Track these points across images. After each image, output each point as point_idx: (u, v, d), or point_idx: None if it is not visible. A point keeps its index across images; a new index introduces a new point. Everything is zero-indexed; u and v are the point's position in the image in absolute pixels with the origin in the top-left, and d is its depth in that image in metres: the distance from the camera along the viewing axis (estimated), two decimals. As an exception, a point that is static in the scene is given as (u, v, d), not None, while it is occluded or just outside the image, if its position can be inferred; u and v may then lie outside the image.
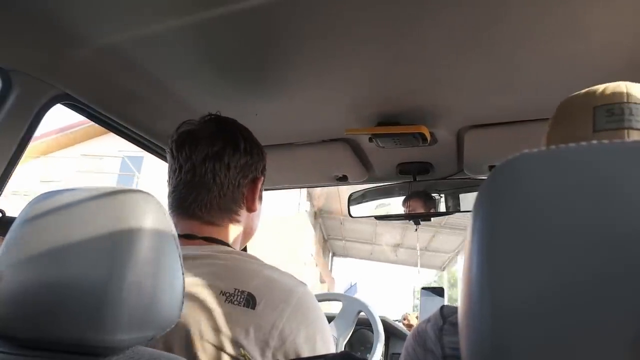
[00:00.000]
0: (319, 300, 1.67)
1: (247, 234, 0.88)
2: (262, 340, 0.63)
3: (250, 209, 0.84)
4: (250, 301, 0.65)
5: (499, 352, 0.28)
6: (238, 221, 0.82)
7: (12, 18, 0.73)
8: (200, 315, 0.63)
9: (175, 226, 0.70)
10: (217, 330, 0.62)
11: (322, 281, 14.42)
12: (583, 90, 0.56)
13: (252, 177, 0.84)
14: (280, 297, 0.67)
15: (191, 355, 0.61)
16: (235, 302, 0.64)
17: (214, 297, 0.64)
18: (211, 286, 0.65)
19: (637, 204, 0.27)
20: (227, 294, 0.65)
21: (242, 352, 0.60)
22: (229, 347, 0.61)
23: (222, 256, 0.72)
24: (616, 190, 0.28)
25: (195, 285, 0.65)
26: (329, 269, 16.35)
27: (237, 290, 0.65)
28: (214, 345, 0.61)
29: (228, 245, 0.78)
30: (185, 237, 0.75)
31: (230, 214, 0.81)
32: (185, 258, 0.67)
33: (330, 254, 16.43)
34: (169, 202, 0.82)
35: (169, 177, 0.83)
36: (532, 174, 0.30)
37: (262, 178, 0.87)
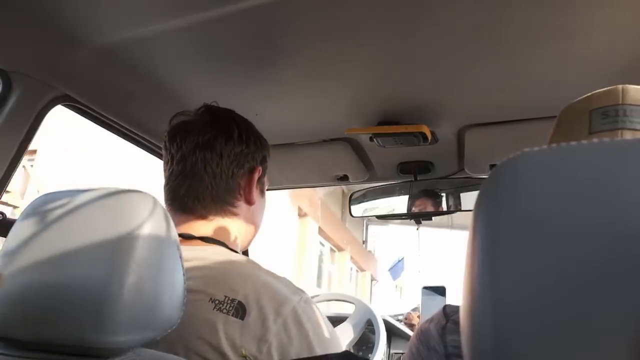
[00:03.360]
0: (329, 300, 1.67)
1: (250, 230, 0.83)
2: (251, 354, 0.59)
3: (249, 201, 0.80)
4: (239, 310, 0.61)
5: (500, 349, 0.28)
6: (235, 214, 0.78)
7: (13, 19, 0.73)
8: (188, 321, 0.58)
9: None
10: (202, 338, 0.59)
11: (339, 249, 10.99)
12: (583, 97, 0.57)
13: (248, 167, 0.80)
14: (272, 307, 0.63)
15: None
16: (224, 311, 0.61)
17: (203, 303, 0.61)
18: (201, 292, 0.62)
19: (636, 201, 0.27)
20: (217, 302, 0.61)
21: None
22: (214, 357, 0.58)
23: (218, 259, 0.68)
24: (616, 188, 0.28)
25: (192, 289, 0.61)
26: (363, 239, 13.12)
27: (227, 298, 0.62)
28: (199, 355, 0.59)
29: (226, 245, 0.74)
30: (182, 237, 0.71)
31: (225, 206, 0.77)
32: (186, 260, 0.65)
33: (365, 222, 12.74)
34: (164, 196, 0.79)
35: (163, 170, 0.81)
36: (533, 173, 0.30)
37: (261, 168, 0.83)
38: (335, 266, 11.47)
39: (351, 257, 12.02)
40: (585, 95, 0.56)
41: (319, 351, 0.65)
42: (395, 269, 11.54)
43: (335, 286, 10.99)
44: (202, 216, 0.76)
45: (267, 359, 0.60)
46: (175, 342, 0.59)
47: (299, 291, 0.69)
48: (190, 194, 0.76)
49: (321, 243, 10.45)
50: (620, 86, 0.53)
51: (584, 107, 0.55)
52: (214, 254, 0.70)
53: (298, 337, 0.63)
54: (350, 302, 1.70)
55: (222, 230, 0.77)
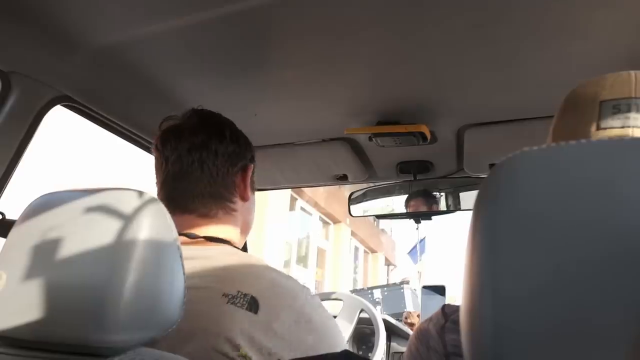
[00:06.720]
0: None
1: (246, 226, 0.85)
2: (265, 347, 0.61)
3: (244, 197, 0.82)
4: (253, 305, 0.63)
5: (500, 347, 0.28)
6: (234, 210, 0.80)
7: (11, 20, 0.73)
8: (200, 317, 0.61)
9: None
10: (217, 333, 0.60)
11: (334, 220, 8.74)
12: (592, 80, 0.54)
13: (241, 165, 0.82)
14: (283, 303, 0.65)
15: (191, 358, 0.59)
16: (238, 305, 0.62)
17: (216, 299, 0.63)
18: (213, 289, 0.64)
19: (634, 201, 0.27)
20: (230, 296, 0.63)
21: (242, 352, 0.60)
22: (229, 350, 0.59)
23: (227, 258, 0.70)
24: (614, 187, 0.28)
25: (197, 287, 0.63)
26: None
27: (240, 293, 0.63)
28: (214, 348, 0.60)
29: (230, 243, 0.76)
30: (186, 236, 0.73)
31: (223, 202, 0.79)
32: (188, 259, 0.66)
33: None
34: (159, 197, 0.79)
35: (157, 173, 0.81)
36: (532, 172, 0.30)
37: (252, 166, 0.85)
38: (330, 243, 9.10)
39: (353, 233, 9.83)
40: (596, 79, 0.54)
41: (327, 343, 0.68)
42: (415, 251, 9.56)
43: (330, 269, 8.93)
44: (203, 214, 0.77)
45: (280, 352, 0.61)
46: (189, 337, 0.60)
47: (305, 287, 0.71)
48: (189, 193, 0.77)
49: (305, 209, 7.97)
50: (633, 74, 0.51)
51: (594, 96, 0.52)
52: (222, 254, 0.71)
53: (308, 331, 0.66)
54: (338, 299, 1.69)
55: (224, 228, 0.78)
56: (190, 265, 0.65)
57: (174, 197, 0.77)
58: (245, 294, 0.63)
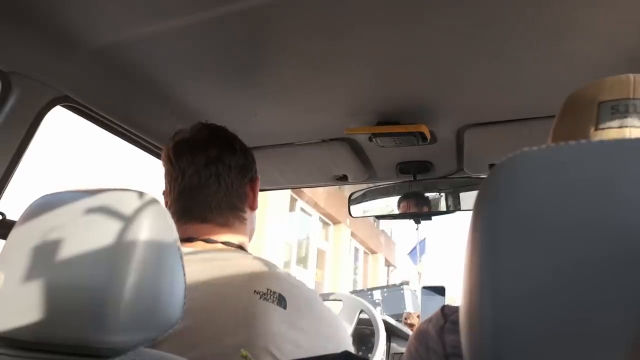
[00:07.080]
0: None
1: (252, 234, 0.91)
2: (293, 339, 0.65)
3: (252, 207, 0.88)
4: (282, 301, 0.67)
5: (500, 347, 0.28)
6: (245, 219, 0.85)
7: (11, 20, 0.73)
8: (233, 312, 0.64)
9: (187, 230, 0.75)
10: (250, 326, 0.63)
11: (334, 221, 8.70)
12: (593, 82, 0.55)
13: (250, 176, 0.88)
14: (302, 302, 0.71)
15: (222, 352, 0.62)
16: (270, 300, 0.66)
17: (248, 295, 0.66)
18: (242, 286, 0.67)
19: (634, 201, 0.27)
20: (261, 293, 0.67)
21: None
22: (263, 342, 0.62)
23: (245, 261, 0.74)
24: (614, 187, 0.28)
25: (228, 284, 0.67)
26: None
27: (269, 291, 0.67)
28: (247, 341, 0.62)
29: (243, 250, 0.81)
30: (204, 241, 0.77)
31: (237, 212, 0.83)
32: (207, 260, 0.71)
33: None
34: (174, 209, 0.82)
35: (170, 186, 0.84)
36: (531, 172, 0.30)
37: (258, 177, 0.92)
38: (330, 244, 9.00)
39: (353, 234, 9.74)
40: (595, 82, 0.54)
41: (337, 334, 0.77)
42: (415, 252, 9.48)
43: (329, 270, 8.86)
44: (221, 224, 0.81)
45: (304, 343, 0.67)
46: (222, 331, 0.63)
47: (312, 290, 0.77)
48: (207, 204, 0.81)
49: (304, 210, 7.88)
50: (632, 76, 0.51)
51: (593, 97, 0.53)
52: (240, 257, 0.75)
53: (322, 325, 0.74)
54: (338, 300, 1.70)
55: (238, 236, 0.83)
56: (212, 265, 0.70)
57: (191, 208, 0.81)
58: (274, 291, 0.68)
